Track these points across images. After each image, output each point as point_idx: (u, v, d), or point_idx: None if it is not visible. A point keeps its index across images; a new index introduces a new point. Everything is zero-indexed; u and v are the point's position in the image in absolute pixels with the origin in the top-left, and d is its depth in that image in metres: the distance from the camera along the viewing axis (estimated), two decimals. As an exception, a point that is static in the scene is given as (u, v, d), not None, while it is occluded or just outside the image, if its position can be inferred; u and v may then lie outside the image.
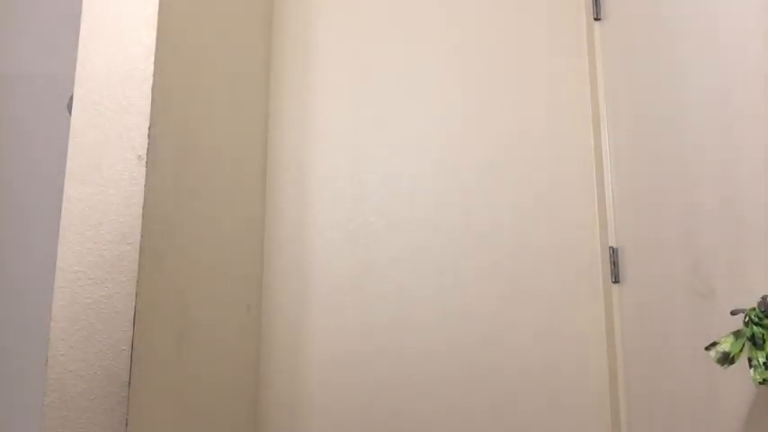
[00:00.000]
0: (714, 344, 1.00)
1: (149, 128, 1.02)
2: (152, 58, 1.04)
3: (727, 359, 0.97)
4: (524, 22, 1.82)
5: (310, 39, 1.84)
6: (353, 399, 1.63)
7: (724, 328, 1.02)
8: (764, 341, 0.94)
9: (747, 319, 0.96)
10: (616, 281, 1.61)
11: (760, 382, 0.93)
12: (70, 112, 1.03)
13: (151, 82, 1.03)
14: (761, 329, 0.94)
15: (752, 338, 0.95)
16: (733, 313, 1.00)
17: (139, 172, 1.00)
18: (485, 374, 1.64)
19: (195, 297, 1.22)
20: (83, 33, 1.05)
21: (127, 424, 0.93)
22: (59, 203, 0.99)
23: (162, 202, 1.06)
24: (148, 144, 1.01)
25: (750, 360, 0.95)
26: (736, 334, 0.98)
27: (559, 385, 1.63)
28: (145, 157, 1.00)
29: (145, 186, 1.00)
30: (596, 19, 1.75)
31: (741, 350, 0.96)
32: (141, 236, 0.98)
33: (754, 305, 0.96)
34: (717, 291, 1.14)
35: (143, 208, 0.99)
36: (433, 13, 1.84)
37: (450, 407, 1.63)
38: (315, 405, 1.63)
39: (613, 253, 1.62)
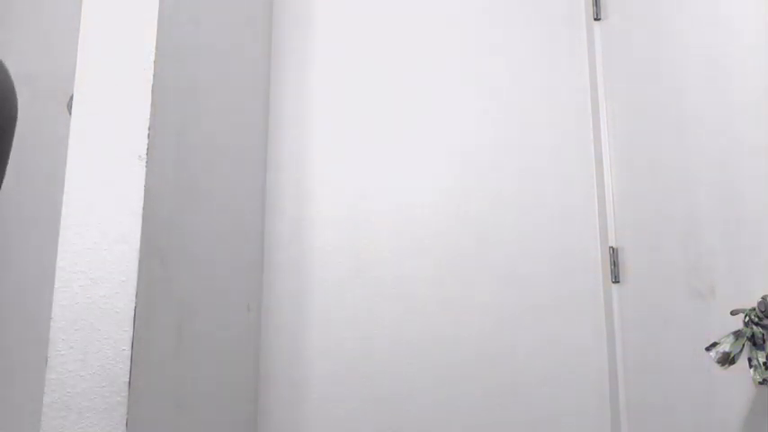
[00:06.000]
0: (714, 344, 1.00)
1: (149, 128, 1.02)
2: (152, 58, 1.04)
3: (727, 359, 0.97)
4: (524, 22, 1.82)
5: (311, 38, 1.84)
6: (353, 398, 1.63)
7: (724, 328, 1.02)
8: (764, 341, 0.94)
9: (747, 319, 0.96)
10: (616, 281, 1.61)
11: (760, 382, 0.93)
12: (70, 112, 1.03)
13: (151, 82, 1.03)
14: (761, 329, 0.94)
15: (752, 338, 0.95)
16: (733, 313, 1.01)
17: (139, 172, 1.00)
18: (485, 373, 1.64)
19: (195, 297, 1.22)
20: (83, 33, 1.05)
21: (127, 424, 0.93)
22: (59, 203, 0.99)
23: (162, 202, 1.06)
24: (148, 144, 1.01)
25: (750, 360, 0.95)
26: (736, 334, 0.98)
27: (559, 385, 1.62)
28: (145, 157, 1.00)
29: (145, 186, 1.00)
30: (596, 19, 1.75)
31: (741, 350, 0.96)
32: (141, 236, 0.98)
33: (754, 305, 0.96)
34: (717, 291, 1.14)
35: (143, 208, 0.99)
36: (433, 14, 1.83)
37: (450, 405, 1.63)
38: (315, 405, 1.63)
39: (613, 253, 1.62)
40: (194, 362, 1.21)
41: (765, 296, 0.95)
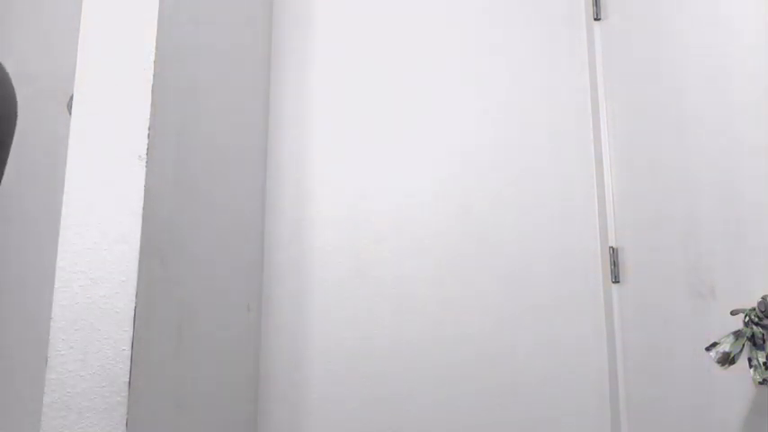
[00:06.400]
0: (714, 344, 1.00)
1: (149, 128, 1.02)
2: (152, 58, 1.04)
3: (727, 359, 0.97)
4: (524, 22, 1.82)
5: (311, 38, 1.84)
6: (353, 398, 1.63)
7: (724, 328, 1.02)
8: (764, 341, 0.94)
9: (747, 319, 0.96)
10: (616, 281, 1.61)
11: (760, 382, 0.93)
12: (70, 112, 1.03)
13: (151, 82, 1.03)
14: (761, 329, 0.94)
15: (752, 338, 0.95)
16: (733, 313, 1.01)
17: (139, 172, 1.00)
18: (485, 373, 1.64)
19: (195, 297, 1.22)
20: (83, 33, 1.05)
21: (127, 424, 0.93)
22: (59, 203, 0.99)
23: (162, 202, 1.06)
24: (148, 144, 1.01)
25: (750, 360, 0.95)
26: (737, 334, 0.98)
27: (559, 385, 1.62)
28: (145, 157, 1.00)
29: (145, 186, 1.00)
30: (596, 19, 1.75)
31: (741, 350, 0.96)
32: (141, 236, 0.98)
33: (754, 305, 0.96)
34: (717, 291, 1.14)
35: (143, 208, 0.99)
36: (433, 14, 1.83)
37: (450, 405, 1.62)
38: (315, 405, 1.63)
39: (613, 253, 1.62)
40: (194, 362, 1.21)
41: (765, 296, 0.95)
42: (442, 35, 1.82)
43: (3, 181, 0.65)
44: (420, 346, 1.66)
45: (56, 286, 0.96)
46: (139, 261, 0.97)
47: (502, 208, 1.72)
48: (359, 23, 1.84)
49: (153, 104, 1.03)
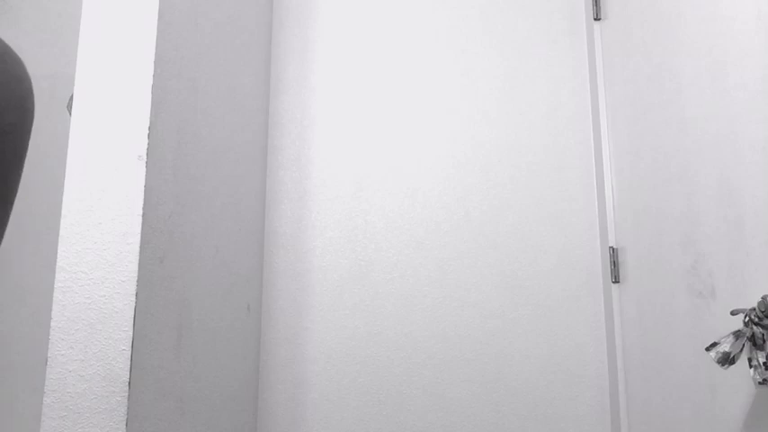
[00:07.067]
0: (714, 344, 1.00)
1: (149, 128, 1.02)
2: (152, 58, 1.04)
3: (727, 359, 0.97)
4: (524, 22, 1.82)
5: (311, 38, 1.84)
6: (353, 399, 1.63)
7: (724, 328, 1.02)
8: (764, 341, 0.94)
9: (747, 319, 0.96)
10: (616, 281, 1.61)
11: (760, 382, 0.93)
12: (70, 113, 1.03)
13: (151, 82, 1.03)
14: (761, 329, 0.94)
15: (752, 338, 0.95)
16: (733, 313, 1.01)
17: (139, 172, 1.00)
18: (484, 374, 1.64)
19: (195, 297, 1.22)
20: (83, 33, 1.05)
21: (127, 424, 0.93)
22: (59, 203, 0.99)
23: (162, 202, 1.06)
24: (148, 144, 1.01)
25: (750, 360, 0.95)
26: (737, 334, 0.98)
27: (559, 385, 1.63)
28: (145, 157, 1.00)
29: (145, 186, 1.00)
30: (596, 19, 1.75)
31: (741, 350, 0.97)
32: (141, 236, 0.98)
33: (754, 305, 0.96)
34: (717, 291, 1.14)
35: (143, 208, 0.99)
36: (434, 14, 1.84)
37: (450, 405, 1.63)
38: (315, 405, 1.63)
39: (613, 253, 1.62)
40: (194, 362, 1.21)
41: (765, 296, 0.95)
42: (442, 35, 1.83)
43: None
44: (420, 345, 1.66)
45: (56, 286, 0.96)
46: (139, 261, 0.97)
47: (502, 208, 1.72)
48: (359, 23, 1.84)
49: (153, 104, 1.03)
